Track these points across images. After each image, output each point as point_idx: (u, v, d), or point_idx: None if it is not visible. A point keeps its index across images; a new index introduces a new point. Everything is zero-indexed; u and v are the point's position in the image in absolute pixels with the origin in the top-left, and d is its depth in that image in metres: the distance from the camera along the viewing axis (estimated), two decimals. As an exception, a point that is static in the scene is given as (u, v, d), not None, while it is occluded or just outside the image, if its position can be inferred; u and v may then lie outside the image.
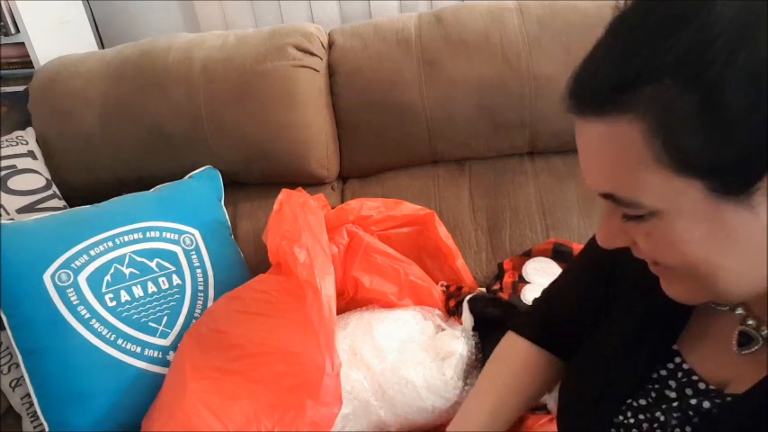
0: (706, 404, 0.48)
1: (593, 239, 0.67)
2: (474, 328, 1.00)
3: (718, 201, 0.38)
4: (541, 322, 0.72)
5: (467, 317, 1.00)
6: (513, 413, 0.69)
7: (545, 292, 0.75)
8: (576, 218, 1.19)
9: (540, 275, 1.10)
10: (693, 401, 0.49)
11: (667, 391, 0.52)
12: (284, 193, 1.13)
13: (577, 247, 1.13)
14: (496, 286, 1.13)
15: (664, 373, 0.53)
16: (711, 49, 0.35)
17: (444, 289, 1.12)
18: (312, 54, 1.25)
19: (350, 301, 1.08)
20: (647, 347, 0.54)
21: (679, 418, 0.49)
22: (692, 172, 0.38)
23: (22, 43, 1.46)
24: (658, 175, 0.39)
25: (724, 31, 0.35)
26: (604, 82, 0.40)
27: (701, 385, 0.50)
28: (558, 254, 1.13)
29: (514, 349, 0.73)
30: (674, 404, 0.50)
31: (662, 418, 0.51)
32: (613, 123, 0.39)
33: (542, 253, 1.15)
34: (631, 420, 0.53)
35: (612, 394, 0.55)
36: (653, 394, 0.53)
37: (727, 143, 0.36)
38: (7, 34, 1.44)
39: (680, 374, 0.52)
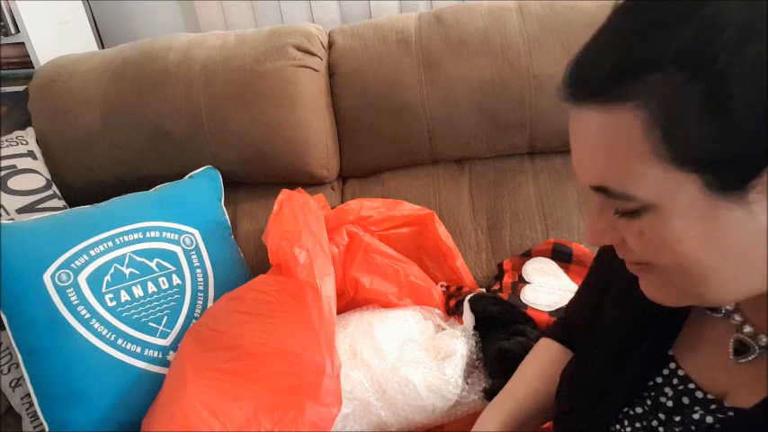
0: (709, 419, 0.47)
1: (598, 253, 0.68)
2: (474, 327, 1.00)
3: (715, 198, 0.37)
4: (566, 329, 0.74)
5: (468, 316, 1.00)
6: (540, 407, 0.69)
7: (567, 304, 0.77)
8: (576, 218, 1.19)
9: (540, 276, 1.10)
10: (696, 416, 0.48)
11: (663, 399, 0.51)
12: (284, 194, 1.13)
13: (577, 247, 1.13)
14: (496, 287, 1.13)
15: (659, 380, 0.52)
16: (717, 41, 0.34)
17: (444, 289, 1.12)
18: (312, 54, 1.25)
19: (350, 302, 1.08)
20: (640, 354, 0.53)
21: None
22: (690, 165, 0.37)
23: (22, 43, 1.46)
24: (655, 168, 0.38)
25: (729, 25, 0.34)
26: (606, 69, 0.39)
27: (699, 394, 0.49)
28: (557, 254, 1.13)
29: (544, 348, 0.75)
30: (676, 418, 0.49)
31: (660, 429, 0.50)
32: (613, 112, 0.38)
33: (542, 253, 1.15)
34: (628, 429, 0.52)
35: (608, 402, 0.54)
36: (648, 402, 0.52)
37: (728, 137, 0.35)
38: (7, 34, 1.44)
39: (675, 381, 0.51)
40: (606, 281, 0.61)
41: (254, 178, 1.31)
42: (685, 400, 0.49)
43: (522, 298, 1.05)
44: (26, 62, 1.49)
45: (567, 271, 1.11)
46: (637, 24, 0.38)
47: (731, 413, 0.46)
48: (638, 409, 0.52)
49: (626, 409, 0.53)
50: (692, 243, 0.40)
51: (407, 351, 0.94)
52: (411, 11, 1.45)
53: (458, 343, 0.95)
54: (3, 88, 1.51)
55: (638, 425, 0.52)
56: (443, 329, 1.01)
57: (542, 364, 0.73)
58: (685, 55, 0.35)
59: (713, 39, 0.34)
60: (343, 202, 1.22)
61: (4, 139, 1.26)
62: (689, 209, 0.39)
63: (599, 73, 0.39)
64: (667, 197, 0.39)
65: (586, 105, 0.40)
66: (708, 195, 0.38)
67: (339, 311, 1.01)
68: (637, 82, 0.37)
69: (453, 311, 1.08)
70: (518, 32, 1.19)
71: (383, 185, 1.30)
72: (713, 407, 0.47)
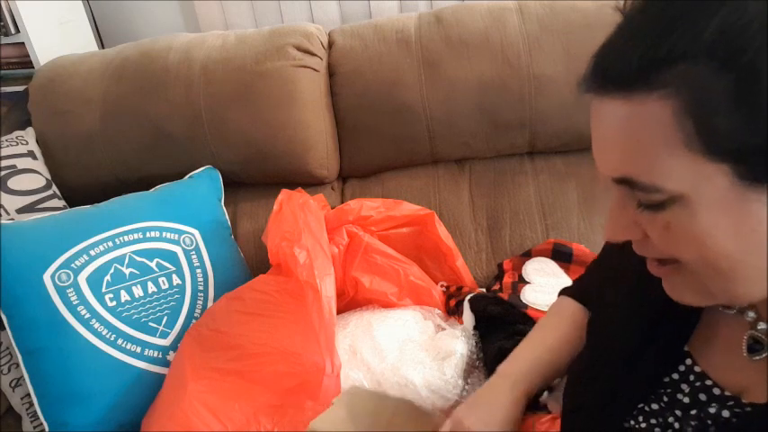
0: (725, 413, 0.46)
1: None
2: (474, 327, 1.00)
3: (745, 189, 0.37)
4: (585, 289, 0.76)
5: (468, 315, 1.00)
6: (561, 360, 0.71)
7: (587, 267, 0.78)
8: (576, 218, 1.19)
9: (540, 276, 1.10)
10: (712, 410, 0.47)
11: (680, 395, 0.51)
12: (284, 194, 1.13)
13: (577, 247, 1.13)
14: (496, 287, 1.13)
15: (675, 376, 0.52)
16: (746, 32, 0.35)
17: (444, 289, 1.12)
18: (312, 54, 1.25)
19: (350, 302, 1.08)
20: (656, 348, 0.53)
21: (696, 427, 0.48)
22: (721, 155, 0.37)
23: (22, 43, 1.46)
24: (685, 158, 0.38)
25: (756, 17, 0.35)
26: (635, 59, 0.38)
27: (716, 391, 0.48)
28: (558, 254, 1.13)
29: (563, 306, 0.76)
30: (692, 412, 0.49)
31: (676, 425, 0.50)
32: (642, 102, 0.38)
33: (542, 253, 1.15)
34: (643, 425, 0.52)
35: (623, 398, 0.54)
36: (665, 398, 0.52)
37: (760, 125, 0.35)
38: (7, 34, 1.44)
39: (692, 377, 0.51)
40: (618, 272, 0.61)
41: (254, 178, 1.31)
42: (702, 397, 0.49)
43: (522, 298, 1.05)
44: (26, 62, 1.49)
45: (567, 271, 1.11)
46: (661, 18, 0.38)
47: (748, 408, 0.46)
48: (654, 406, 0.52)
49: (641, 405, 0.53)
50: (721, 235, 0.39)
51: (407, 351, 0.94)
52: (411, 11, 1.45)
53: (458, 343, 0.95)
54: (3, 88, 1.51)
55: (653, 421, 0.52)
56: (443, 329, 1.01)
57: (567, 320, 0.75)
58: (714, 45, 0.35)
59: (741, 31, 0.35)
60: (343, 202, 1.22)
61: (4, 139, 1.26)
62: (718, 200, 0.38)
63: (626, 62, 0.39)
64: (696, 188, 0.38)
65: (611, 96, 0.40)
66: (738, 186, 0.37)
67: (339, 311, 1.01)
68: (665, 71, 0.37)
69: (453, 311, 1.08)
70: (518, 32, 1.19)
71: (383, 185, 1.30)
72: (730, 403, 0.47)
